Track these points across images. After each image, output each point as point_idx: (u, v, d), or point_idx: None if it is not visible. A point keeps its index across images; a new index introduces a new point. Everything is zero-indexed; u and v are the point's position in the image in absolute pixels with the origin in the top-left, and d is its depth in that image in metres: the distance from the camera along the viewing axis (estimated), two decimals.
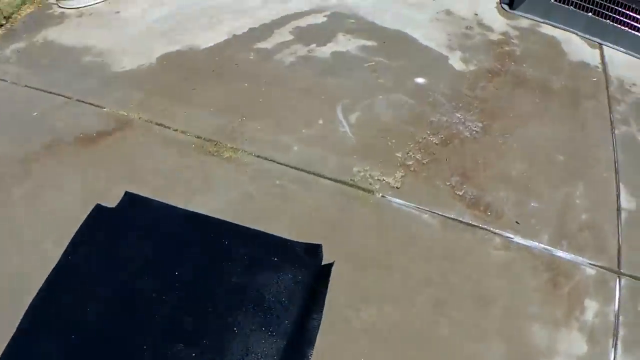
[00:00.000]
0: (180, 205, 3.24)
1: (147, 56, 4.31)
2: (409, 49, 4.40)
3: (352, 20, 4.69)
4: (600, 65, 4.51)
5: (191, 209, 3.23)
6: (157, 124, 3.73)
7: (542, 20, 4.84)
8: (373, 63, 4.25)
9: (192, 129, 3.69)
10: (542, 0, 4.75)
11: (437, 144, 3.68)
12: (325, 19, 4.74)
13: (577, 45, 4.66)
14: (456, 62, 4.31)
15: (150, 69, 4.22)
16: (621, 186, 3.64)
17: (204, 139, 3.63)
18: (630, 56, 4.65)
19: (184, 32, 4.58)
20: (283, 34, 4.58)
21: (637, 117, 4.16)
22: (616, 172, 3.73)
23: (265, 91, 4.02)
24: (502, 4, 4.95)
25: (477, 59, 4.35)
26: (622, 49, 4.68)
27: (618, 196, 3.59)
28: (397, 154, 3.61)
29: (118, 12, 4.84)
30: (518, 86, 4.17)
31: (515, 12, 4.89)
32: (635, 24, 4.60)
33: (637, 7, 4.50)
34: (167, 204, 3.26)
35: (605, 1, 4.56)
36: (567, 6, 4.71)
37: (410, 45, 4.44)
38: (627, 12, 4.55)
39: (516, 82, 4.19)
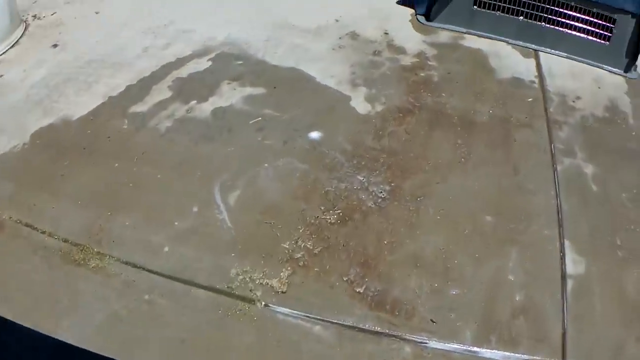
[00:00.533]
0: (49, 331, 2.76)
1: (21, 134, 3.76)
2: (303, 93, 3.80)
3: (240, 62, 4.09)
4: (536, 79, 3.89)
5: (59, 337, 2.75)
6: (26, 224, 3.22)
7: (465, 31, 4.23)
8: (259, 119, 3.66)
9: (59, 230, 3.17)
10: (464, 7, 4.10)
11: (332, 224, 3.11)
12: (209, 63, 4.14)
13: (508, 57, 4.03)
14: (360, 102, 3.69)
15: (23, 151, 3.68)
16: (566, 244, 3.11)
17: (70, 242, 3.11)
18: (572, 61, 4.04)
19: (60, 98, 4.07)
20: (161, 90, 4.01)
21: (584, 142, 3.57)
22: (560, 225, 3.17)
23: (136, 172, 3.47)
24: (418, 16, 4.28)
25: (385, 94, 3.74)
26: (562, 53, 4.07)
27: (562, 259, 3.05)
28: (284, 245, 3.05)
29: (1, 76, 4.26)
30: (435, 125, 3.56)
31: (433, 24, 4.26)
32: (575, 24, 3.98)
33: (575, 4, 3.82)
34: (35, 332, 2.81)
35: (538, 1, 3.89)
36: (493, 12, 4.08)
37: (306, 87, 3.83)
38: (564, 10, 3.92)
39: (433, 120, 3.59)
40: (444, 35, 4.26)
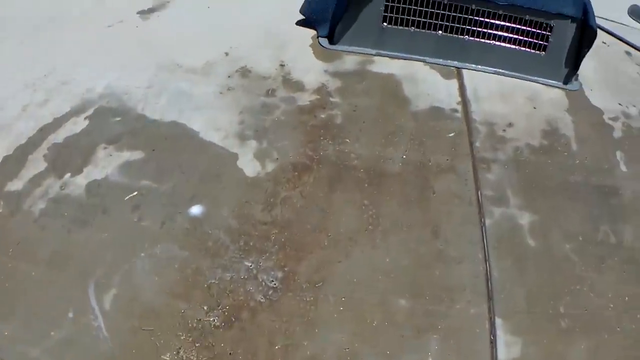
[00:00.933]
0: None
1: None
2: (184, 155, 3.40)
3: (118, 118, 3.69)
4: (459, 106, 3.48)
5: None
6: None
7: (375, 53, 3.75)
8: (136, 193, 3.24)
9: None
10: (372, 25, 3.68)
11: (217, 327, 2.78)
12: (86, 122, 3.75)
13: (425, 81, 3.61)
14: (248, 161, 3.27)
15: None
16: (497, 323, 2.77)
17: None
18: (501, 77, 3.64)
19: None
20: (37, 161, 3.65)
21: (518, 183, 3.18)
22: (490, 298, 2.81)
23: (11, 268, 3.06)
24: (320, 39, 3.81)
25: (278, 147, 3.32)
26: (489, 69, 3.67)
27: (493, 343, 2.70)
28: (165, 357, 2.69)
29: None
30: (337, 183, 3.16)
31: (337, 47, 3.81)
32: (504, 34, 3.55)
33: (504, 13, 3.39)
34: None
35: (458, 12, 3.44)
36: (406, 28, 3.62)
37: (188, 147, 3.42)
38: (491, 20, 3.50)
39: (335, 177, 3.19)
40: (349, 61, 3.82)
